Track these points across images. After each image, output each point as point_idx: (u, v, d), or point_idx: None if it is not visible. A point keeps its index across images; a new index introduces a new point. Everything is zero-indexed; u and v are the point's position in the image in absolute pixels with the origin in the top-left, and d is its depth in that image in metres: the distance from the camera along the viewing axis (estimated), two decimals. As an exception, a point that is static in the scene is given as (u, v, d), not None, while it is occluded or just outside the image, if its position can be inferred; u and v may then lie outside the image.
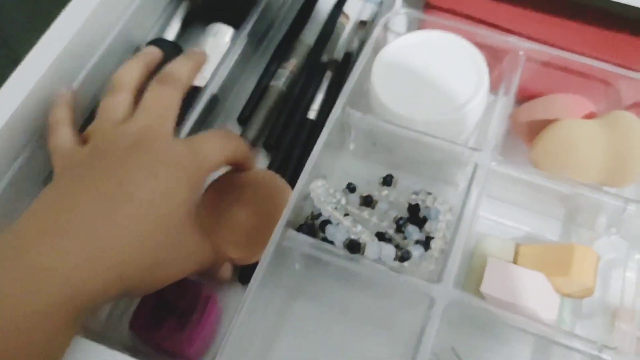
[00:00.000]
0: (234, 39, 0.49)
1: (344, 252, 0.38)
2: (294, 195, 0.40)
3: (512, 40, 0.45)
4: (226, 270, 0.40)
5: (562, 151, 0.41)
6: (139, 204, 0.31)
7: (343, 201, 0.42)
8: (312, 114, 0.49)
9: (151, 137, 0.33)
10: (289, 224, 0.39)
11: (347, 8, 0.56)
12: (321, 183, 0.41)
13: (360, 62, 0.45)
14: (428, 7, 0.50)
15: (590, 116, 0.44)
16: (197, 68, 0.39)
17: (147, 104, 0.35)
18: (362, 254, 0.38)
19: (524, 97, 0.48)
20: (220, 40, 0.50)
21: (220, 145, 0.36)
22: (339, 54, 0.52)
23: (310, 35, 0.54)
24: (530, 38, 0.47)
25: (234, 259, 0.40)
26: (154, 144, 0.33)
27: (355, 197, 0.44)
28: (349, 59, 0.52)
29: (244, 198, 0.42)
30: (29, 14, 0.65)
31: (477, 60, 0.44)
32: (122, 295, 0.31)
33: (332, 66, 0.51)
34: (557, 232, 0.45)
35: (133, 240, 0.30)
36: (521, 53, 0.45)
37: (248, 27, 0.49)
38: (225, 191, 0.42)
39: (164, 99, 0.35)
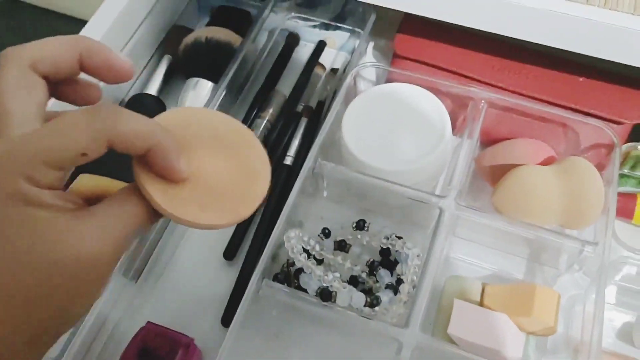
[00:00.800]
0: (213, 92, 0.52)
1: (317, 300, 0.40)
2: (270, 244, 0.42)
3: (474, 90, 0.48)
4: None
5: (522, 196, 0.44)
6: None
7: (317, 248, 0.45)
8: (288, 160, 0.52)
9: None
10: (265, 273, 0.41)
11: (321, 57, 0.58)
12: (294, 233, 0.43)
13: (332, 113, 0.48)
14: (396, 56, 0.53)
15: (549, 160, 0.47)
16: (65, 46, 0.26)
17: None
18: (334, 301, 0.40)
19: (488, 140, 0.50)
20: (200, 93, 0.53)
21: (71, 127, 0.23)
22: (314, 102, 0.55)
23: (287, 85, 0.57)
24: (492, 85, 0.50)
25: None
26: None
27: (329, 242, 0.46)
28: (322, 107, 0.54)
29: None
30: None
31: (440, 112, 0.46)
32: (48, 334, 0.25)
33: (306, 112, 0.54)
34: (523, 270, 0.47)
35: None
36: (483, 101, 0.48)
37: (226, 80, 0.51)
38: None
39: None
